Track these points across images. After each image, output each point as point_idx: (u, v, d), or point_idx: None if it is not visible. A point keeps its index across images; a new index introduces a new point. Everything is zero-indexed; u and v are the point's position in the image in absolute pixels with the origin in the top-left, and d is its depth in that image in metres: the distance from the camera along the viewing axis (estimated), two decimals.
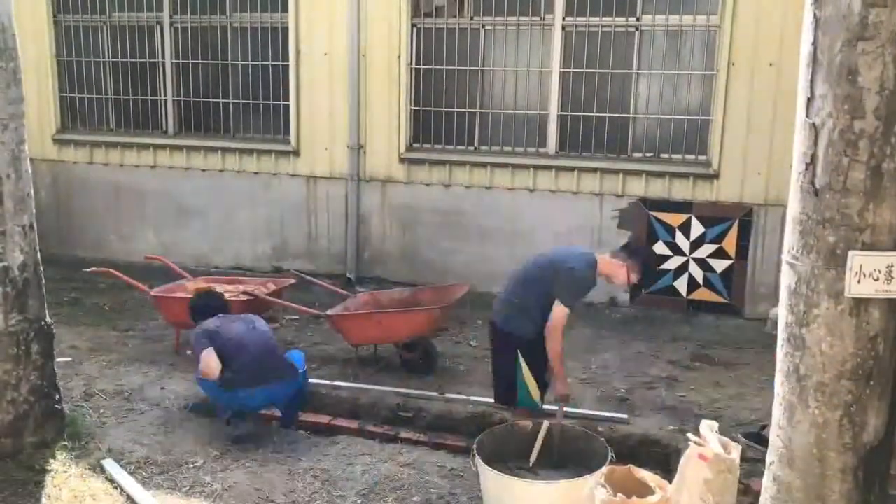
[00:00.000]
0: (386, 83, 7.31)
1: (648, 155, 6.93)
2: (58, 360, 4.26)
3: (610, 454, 3.59)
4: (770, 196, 6.53)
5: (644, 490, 3.09)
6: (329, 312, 5.51)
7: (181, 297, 5.69)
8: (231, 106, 7.97)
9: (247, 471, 4.03)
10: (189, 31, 7.93)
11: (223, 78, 7.91)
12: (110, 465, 3.95)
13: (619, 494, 2.93)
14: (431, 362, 5.55)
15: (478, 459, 3.58)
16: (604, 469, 3.29)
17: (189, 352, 5.05)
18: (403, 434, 4.68)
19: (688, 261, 6.82)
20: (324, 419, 4.85)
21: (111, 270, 6.22)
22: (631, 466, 3.23)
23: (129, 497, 3.70)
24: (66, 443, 4.08)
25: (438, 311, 5.43)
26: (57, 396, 4.14)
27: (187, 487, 3.84)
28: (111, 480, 3.83)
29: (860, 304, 2.10)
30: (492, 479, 3.52)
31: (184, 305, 5.29)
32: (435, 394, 5.06)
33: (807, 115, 2.14)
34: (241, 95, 7.90)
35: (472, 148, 7.35)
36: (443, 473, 4.07)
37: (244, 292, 5.84)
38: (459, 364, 5.69)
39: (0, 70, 3.74)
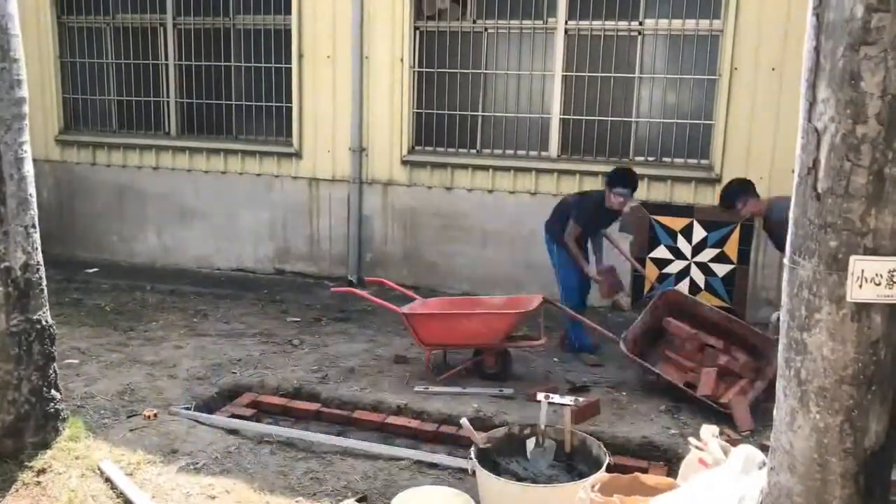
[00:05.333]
0: (388, 86, 7.32)
1: (650, 159, 6.93)
2: (64, 361, 4.25)
3: (607, 458, 3.59)
4: None
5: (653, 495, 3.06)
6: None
7: (442, 313, 5.48)
8: (234, 108, 7.99)
9: (247, 472, 4.03)
10: (192, 33, 7.95)
11: (226, 80, 7.93)
12: (110, 466, 3.95)
13: (616, 495, 2.91)
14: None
15: (474, 462, 3.58)
16: (599, 474, 3.28)
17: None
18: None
19: (689, 265, 6.82)
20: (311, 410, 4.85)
21: (356, 291, 5.95)
22: (638, 474, 3.22)
23: (127, 499, 3.70)
24: (66, 443, 4.08)
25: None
26: (58, 397, 4.14)
27: (187, 489, 3.84)
28: (110, 481, 3.83)
29: (862, 308, 2.10)
30: (489, 483, 3.52)
31: (445, 324, 5.26)
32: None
33: (809, 120, 2.14)
34: (244, 97, 7.92)
35: (474, 151, 7.35)
36: (441, 477, 4.07)
37: None
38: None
39: (3, 71, 3.74)
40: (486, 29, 7.16)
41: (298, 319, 6.66)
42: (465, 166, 7.28)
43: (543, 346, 5.57)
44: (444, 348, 5.54)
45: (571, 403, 3.99)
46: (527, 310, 5.42)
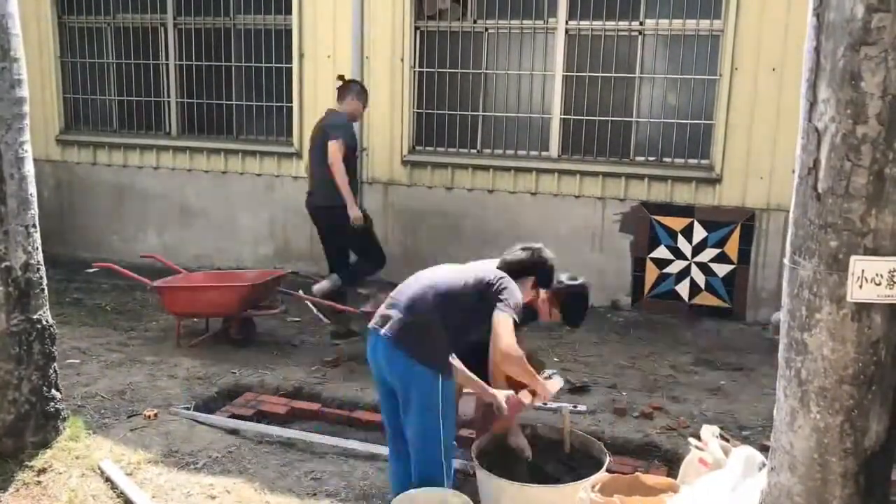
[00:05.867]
0: (389, 86, 7.32)
1: (651, 159, 6.93)
2: (64, 361, 4.25)
3: (607, 459, 3.59)
4: (772, 201, 6.53)
5: (653, 494, 3.07)
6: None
7: (184, 286, 6.08)
8: (234, 108, 7.99)
9: (247, 472, 4.03)
10: (193, 33, 7.95)
11: (226, 80, 7.93)
12: (110, 465, 3.95)
13: (616, 495, 2.91)
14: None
15: (475, 463, 3.58)
16: (599, 475, 3.28)
17: None
18: None
19: (689, 265, 6.82)
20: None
21: (113, 266, 6.41)
22: (638, 474, 3.22)
23: (127, 499, 3.70)
24: (66, 443, 4.09)
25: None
26: (58, 396, 4.14)
27: (187, 489, 3.84)
28: (110, 481, 3.84)
29: (862, 309, 2.10)
30: (489, 483, 3.52)
31: (187, 295, 5.91)
32: None
33: (809, 120, 2.14)
34: (245, 97, 7.92)
35: (474, 151, 7.35)
36: None
37: None
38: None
39: (3, 70, 3.74)
40: (486, 29, 7.16)
41: (298, 319, 6.66)
42: (465, 166, 7.28)
43: (279, 314, 6.36)
44: (192, 317, 6.13)
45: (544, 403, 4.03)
46: (254, 283, 6.03)
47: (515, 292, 3.29)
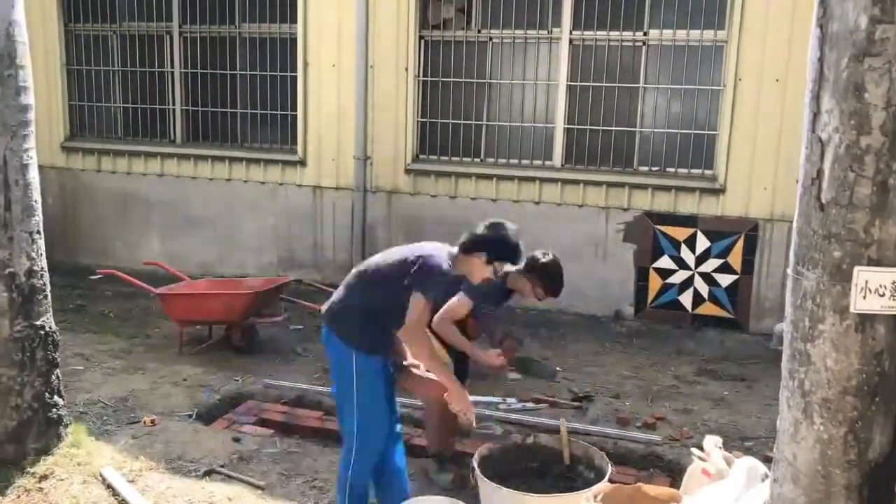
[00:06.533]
0: (393, 95, 7.34)
1: (654, 169, 6.93)
2: (67, 367, 4.26)
3: (610, 468, 3.57)
4: (776, 211, 6.52)
5: None
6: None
7: (187, 293, 6.07)
8: (239, 116, 8.01)
9: (249, 481, 4.02)
10: (198, 41, 7.99)
11: (231, 88, 7.96)
12: (111, 472, 3.94)
13: None
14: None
15: (477, 472, 3.57)
16: (601, 485, 3.26)
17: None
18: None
19: (693, 275, 6.81)
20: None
21: (117, 272, 6.45)
22: (641, 484, 3.20)
23: None
24: (68, 449, 4.08)
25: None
26: (60, 403, 4.14)
27: (189, 496, 3.84)
28: (112, 488, 3.83)
29: (866, 319, 2.09)
30: (491, 492, 3.50)
31: (190, 302, 5.88)
32: None
33: (813, 130, 2.14)
34: (249, 105, 7.95)
35: (478, 160, 7.36)
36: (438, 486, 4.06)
37: None
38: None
39: (10, 78, 3.76)
40: (490, 38, 7.18)
41: (301, 327, 6.66)
42: (469, 175, 7.29)
43: (281, 322, 6.28)
44: (195, 324, 6.13)
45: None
46: (257, 291, 6.03)
47: (433, 272, 3.38)
